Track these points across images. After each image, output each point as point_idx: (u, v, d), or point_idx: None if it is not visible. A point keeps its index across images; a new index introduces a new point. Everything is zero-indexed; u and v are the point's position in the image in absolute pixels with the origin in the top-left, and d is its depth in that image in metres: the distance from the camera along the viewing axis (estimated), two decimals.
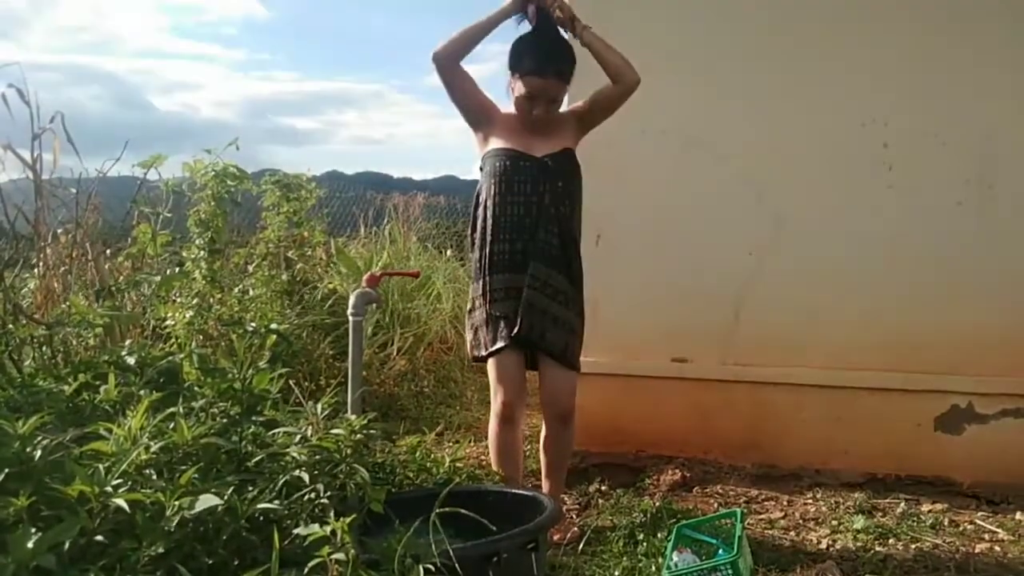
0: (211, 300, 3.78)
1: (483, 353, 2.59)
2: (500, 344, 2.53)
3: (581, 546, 2.56)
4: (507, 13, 2.52)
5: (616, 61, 2.51)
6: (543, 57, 2.47)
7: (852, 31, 3.22)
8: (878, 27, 3.20)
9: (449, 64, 2.53)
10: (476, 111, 2.61)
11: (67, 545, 1.28)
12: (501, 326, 2.52)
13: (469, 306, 2.66)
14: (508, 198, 2.51)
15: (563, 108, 2.62)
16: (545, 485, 2.74)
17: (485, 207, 2.56)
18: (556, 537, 2.59)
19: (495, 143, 2.58)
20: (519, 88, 2.48)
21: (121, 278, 3.48)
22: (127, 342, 2.66)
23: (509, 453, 2.66)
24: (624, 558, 2.46)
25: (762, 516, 2.90)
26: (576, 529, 2.69)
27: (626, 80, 2.53)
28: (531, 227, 2.50)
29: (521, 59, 2.48)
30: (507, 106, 2.60)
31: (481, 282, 2.56)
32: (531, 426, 3.99)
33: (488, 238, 2.53)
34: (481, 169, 2.62)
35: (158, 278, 3.32)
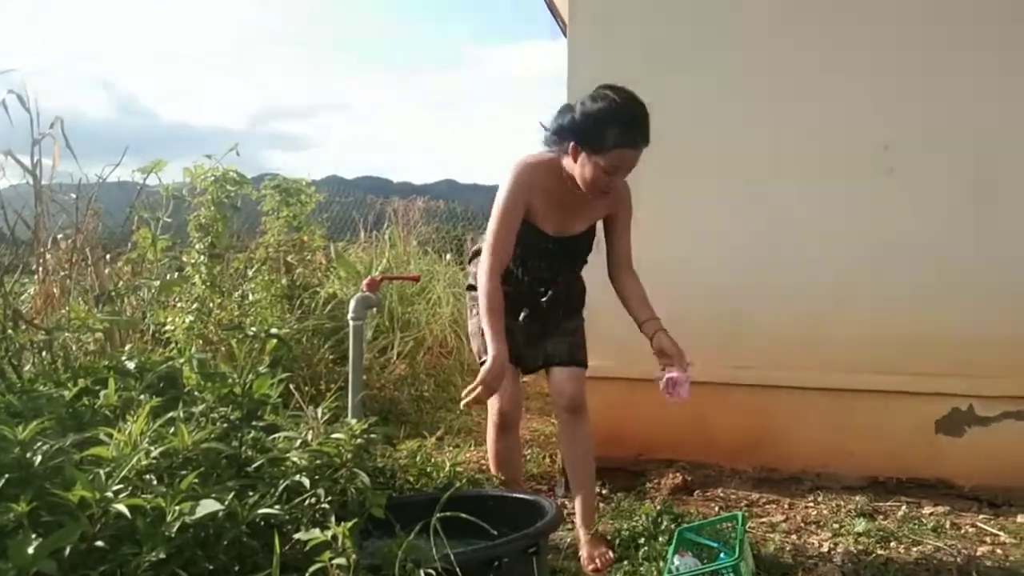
0: (211, 305, 3.79)
1: (480, 360, 2.55)
2: None
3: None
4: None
5: None
6: (635, 126, 2.24)
7: (852, 33, 3.23)
8: (878, 29, 3.20)
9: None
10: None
11: (68, 551, 1.28)
12: None
13: (469, 309, 2.65)
14: (520, 272, 2.48)
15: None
16: (576, 503, 2.57)
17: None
18: (591, 568, 2.43)
19: (532, 219, 2.43)
20: (599, 163, 2.26)
21: (121, 283, 3.49)
22: (127, 347, 2.66)
23: (508, 459, 2.65)
24: (625, 562, 2.46)
25: (763, 519, 2.89)
26: (612, 555, 2.49)
27: None
28: (533, 290, 2.51)
29: (604, 139, 2.24)
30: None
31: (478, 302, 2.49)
32: (531, 429, 3.99)
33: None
34: None
35: (158, 283, 3.33)
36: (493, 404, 2.55)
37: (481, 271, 2.37)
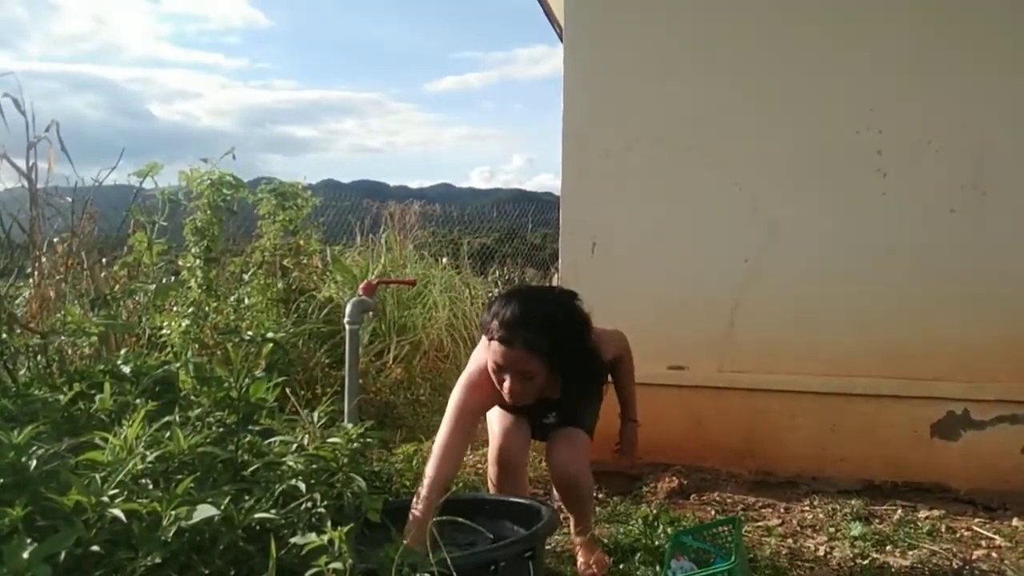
0: (207, 309, 3.78)
1: None
2: None
3: None
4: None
5: None
6: (513, 321, 2.07)
7: (846, 39, 3.24)
8: (872, 35, 3.22)
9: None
10: None
11: (63, 555, 1.27)
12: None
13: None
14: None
15: None
16: (571, 519, 2.53)
17: None
18: (587, 573, 2.40)
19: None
20: (488, 354, 2.15)
21: (117, 287, 3.48)
22: (123, 351, 2.65)
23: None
24: (621, 566, 2.46)
25: (759, 523, 2.89)
26: (608, 559, 2.48)
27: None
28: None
29: (488, 327, 2.13)
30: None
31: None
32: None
33: None
34: None
35: (154, 287, 3.31)
36: (493, 440, 2.43)
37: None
